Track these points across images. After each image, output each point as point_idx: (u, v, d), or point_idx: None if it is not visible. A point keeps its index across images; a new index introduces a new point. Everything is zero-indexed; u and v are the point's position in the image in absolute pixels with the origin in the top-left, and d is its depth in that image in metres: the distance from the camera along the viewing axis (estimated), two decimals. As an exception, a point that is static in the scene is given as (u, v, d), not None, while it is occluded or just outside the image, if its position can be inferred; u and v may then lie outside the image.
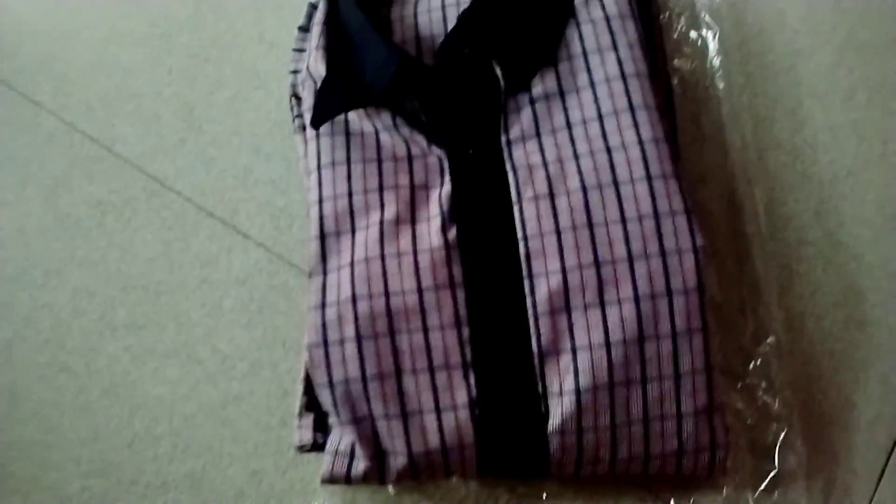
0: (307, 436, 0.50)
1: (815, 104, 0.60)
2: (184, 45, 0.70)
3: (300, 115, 0.57)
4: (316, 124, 0.51)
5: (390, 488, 0.51)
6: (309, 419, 0.50)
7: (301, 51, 0.60)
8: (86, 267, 0.62)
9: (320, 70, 0.53)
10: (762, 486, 0.49)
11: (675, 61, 0.61)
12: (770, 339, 0.52)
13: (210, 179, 0.64)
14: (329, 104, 0.51)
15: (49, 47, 0.72)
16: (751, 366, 0.52)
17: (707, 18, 0.61)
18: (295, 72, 0.59)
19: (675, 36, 0.62)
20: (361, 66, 0.52)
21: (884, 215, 0.57)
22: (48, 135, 0.68)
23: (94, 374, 0.58)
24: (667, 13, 0.62)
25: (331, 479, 0.47)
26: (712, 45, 0.61)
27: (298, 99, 0.58)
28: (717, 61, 0.60)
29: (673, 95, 0.58)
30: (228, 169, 0.64)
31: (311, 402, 0.50)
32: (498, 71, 0.51)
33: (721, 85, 0.60)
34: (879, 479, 0.50)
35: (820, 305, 0.55)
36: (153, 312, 0.60)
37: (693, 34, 0.61)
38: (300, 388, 0.52)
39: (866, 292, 0.55)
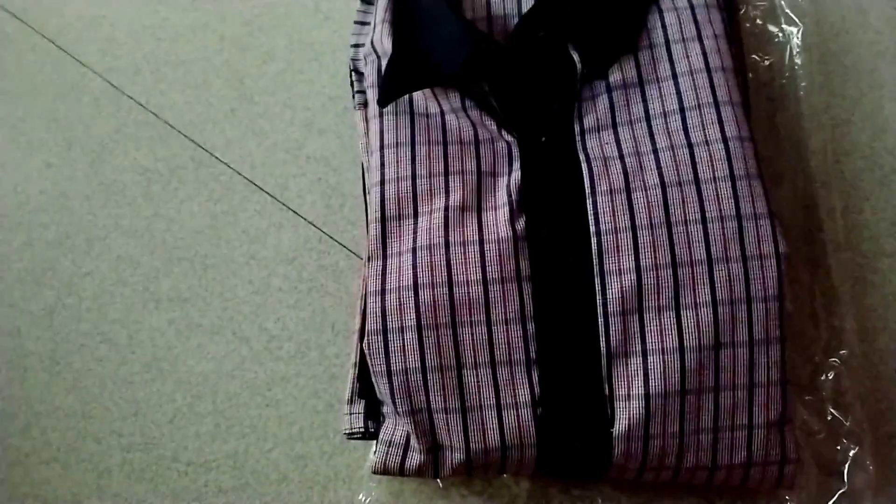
0: (358, 423, 0.48)
1: (897, 109, 0.57)
2: (236, 11, 0.68)
3: (362, 91, 0.55)
4: (383, 102, 0.49)
5: (440, 482, 0.49)
6: (360, 406, 0.48)
7: (364, 24, 0.57)
8: (130, 235, 0.61)
9: (386, 46, 0.51)
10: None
11: (752, 56, 0.58)
12: (843, 352, 0.50)
13: (260, 152, 0.62)
14: (397, 82, 0.49)
15: (97, 6, 0.70)
16: (821, 378, 0.50)
17: (788, 13, 0.58)
18: (356, 45, 0.57)
19: (753, 29, 0.59)
20: (431, 44, 0.50)
21: (964, 228, 0.54)
22: (95, 97, 0.66)
23: (137, 346, 0.57)
24: (745, 6, 0.59)
25: (383, 471, 0.46)
26: (793, 42, 0.58)
27: (360, 74, 0.55)
28: (796, 59, 0.58)
29: (749, 92, 0.56)
30: (279, 143, 0.62)
31: (363, 390, 0.48)
32: (575, 56, 0.48)
33: (799, 84, 0.57)
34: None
35: (894, 320, 0.52)
36: (198, 286, 0.58)
37: (772, 29, 0.59)
38: (351, 373, 0.50)
39: (943, 307, 0.53)
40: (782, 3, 0.59)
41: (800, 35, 0.58)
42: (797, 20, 0.58)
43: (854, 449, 0.48)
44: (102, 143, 0.64)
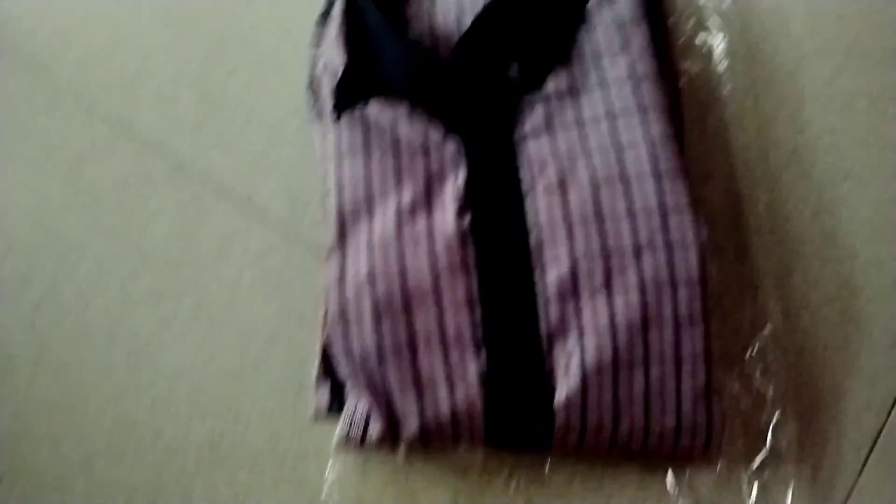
0: (323, 401, 0.52)
1: (817, 108, 0.62)
2: (204, 29, 0.72)
3: (317, 103, 0.59)
4: (338, 111, 0.53)
5: (400, 457, 0.53)
6: (326, 386, 0.52)
7: (318, 41, 0.62)
8: (107, 240, 0.64)
9: (339, 61, 0.55)
10: (755, 465, 0.52)
11: (684, 63, 0.63)
12: (767, 329, 0.55)
13: (228, 161, 0.66)
14: (350, 94, 0.53)
15: (70, 27, 0.74)
16: (748, 353, 0.54)
17: (715, 23, 0.63)
18: (313, 62, 0.61)
19: (684, 39, 0.64)
20: (379, 60, 0.54)
21: (879, 216, 0.59)
22: (69, 113, 0.70)
23: (116, 342, 0.61)
24: (677, 16, 0.64)
25: (346, 443, 0.50)
26: (719, 49, 0.63)
27: (316, 89, 0.60)
28: (723, 64, 0.63)
29: (681, 96, 0.60)
30: (246, 151, 0.66)
31: (327, 370, 0.52)
32: (514, 69, 0.53)
33: (727, 87, 0.62)
34: (865, 461, 0.53)
35: (816, 299, 0.57)
36: (172, 286, 0.62)
37: (701, 38, 0.64)
38: (318, 356, 0.54)
39: (860, 288, 0.57)
40: (709, 15, 0.64)
41: (724, 43, 0.63)
42: (723, 29, 0.63)
43: (777, 414, 0.53)
44: (78, 156, 0.68)
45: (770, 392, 0.53)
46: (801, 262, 0.58)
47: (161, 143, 0.67)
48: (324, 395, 0.52)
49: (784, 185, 0.60)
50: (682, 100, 0.60)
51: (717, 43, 0.63)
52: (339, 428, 0.50)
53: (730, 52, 0.63)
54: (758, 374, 0.54)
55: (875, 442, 0.53)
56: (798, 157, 0.61)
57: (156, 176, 0.66)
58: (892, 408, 0.54)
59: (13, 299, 0.63)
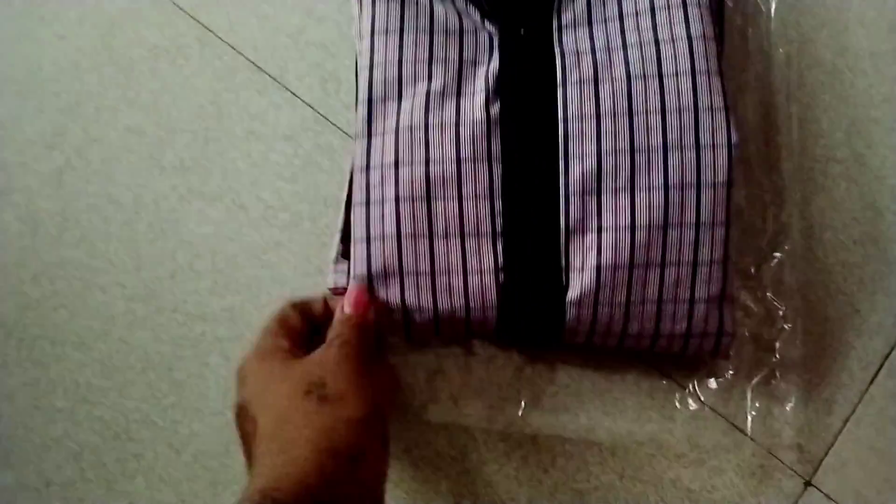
0: (342, 280, 0.53)
1: (861, 30, 0.61)
2: None
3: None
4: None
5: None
6: (344, 265, 0.53)
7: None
8: (137, 107, 0.65)
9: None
10: (759, 376, 0.53)
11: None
12: (786, 247, 0.55)
13: (263, 36, 0.65)
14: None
15: None
16: (765, 268, 0.55)
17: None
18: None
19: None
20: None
21: (912, 142, 0.58)
22: (105, -25, 0.69)
23: (141, 208, 0.62)
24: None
25: None
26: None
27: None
28: (772, -23, 0.61)
29: (724, 6, 0.59)
30: (281, 27, 0.66)
31: (346, 250, 0.53)
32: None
33: (772, 2, 0.60)
34: (872, 381, 0.54)
35: (839, 219, 0.57)
36: (200, 157, 0.63)
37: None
38: (337, 237, 0.55)
39: (884, 212, 0.57)
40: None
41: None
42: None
43: (787, 328, 0.54)
44: (113, 20, 0.67)
45: (783, 308, 0.54)
46: (827, 181, 0.58)
47: (196, 13, 0.66)
48: (341, 276, 0.53)
49: (819, 103, 0.59)
50: (725, 10, 0.59)
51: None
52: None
53: (779, -34, 0.61)
54: (772, 290, 0.54)
55: (882, 363, 0.54)
56: (837, 77, 0.60)
57: (189, 46, 0.66)
58: (902, 331, 0.55)
59: (42, 158, 0.64)
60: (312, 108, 0.63)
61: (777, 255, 0.55)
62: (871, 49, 0.61)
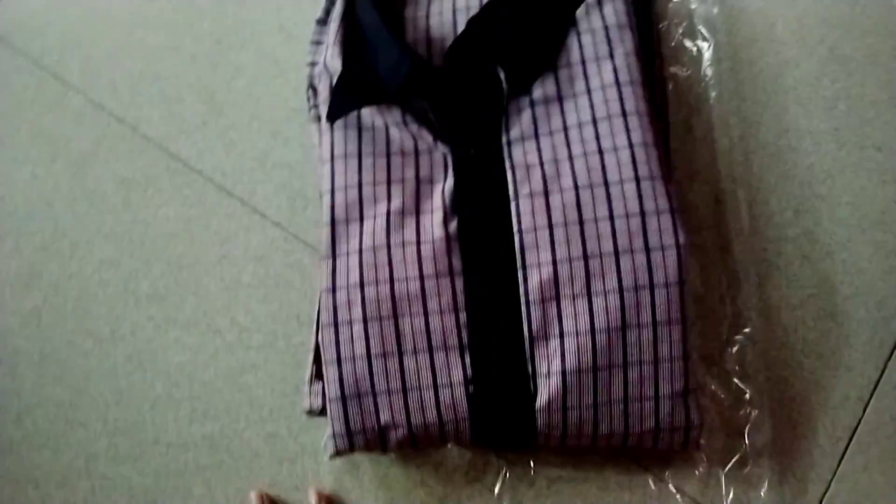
0: (317, 402, 0.54)
1: (800, 111, 0.64)
2: (206, 31, 0.74)
3: (316, 106, 0.61)
4: (331, 119, 0.55)
5: (392, 455, 0.56)
6: (318, 386, 0.54)
7: (318, 43, 0.64)
8: (111, 240, 0.66)
9: (336, 65, 0.57)
10: (732, 462, 0.54)
11: (672, 68, 0.65)
12: (747, 329, 0.57)
13: (230, 161, 0.68)
14: (344, 101, 0.55)
15: (77, 28, 0.76)
16: (727, 352, 0.56)
17: (702, 29, 0.65)
18: (312, 64, 0.63)
19: (673, 44, 0.65)
20: (375, 64, 0.56)
21: (857, 216, 0.61)
22: (76, 113, 0.72)
23: (119, 340, 0.63)
24: (665, 22, 0.66)
25: (337, 455, 0.52)
26: (706, 54, 0.65)
27: (315, 90, 0.61)
28: (710, 69, 0.64)
29: (668, 99, 0.62)
30: (247, 151, 0.68)
31: (319, 371, 0.54)
32: (501, 75, 0.55)
33: (713, 91, 0.64)
34: (842, 456, 0.54)
35: (795, 297, 0.59)
36: (174, 284, 0.64)
37: (689, 43, 0.65)
38: (310, 357, 0.56)
39: (839, 286, 0.59)
40: (697, 21, 0.65)
41: (712, 48, 0.64)
42: (710, 34, 0.65)
43: (754, 413, 0.55)
44: (84, 156, 0.70)
45: (748, 392, 0.55)
46: (781, 261, 0.60)
47: (165, 143, 0.69)
48: (316, 397, 0.54)
49: (767, 185, 0.62)
50: (669, 103, 0.62)
51: (705, 48, 0.65)
52: (325, 436, 0.52)
53: (717, 57, 0.65)
54: (736, 373, 0.56)
55: (851, 437, 0.55)
56: (780, 159, 0.63)
57: (159, 176, 0.68)
58: (869, 402, 0.56)
59: (19, 298, 0.65)
60: (281, 227, 0.65)
61: (738, 338, 0.57)
62: (810, 128, 0.64)
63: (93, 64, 0.74)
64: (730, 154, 0.63)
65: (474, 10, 0.58)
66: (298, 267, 0.64)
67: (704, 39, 0.65)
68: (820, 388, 0.57)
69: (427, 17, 0.60)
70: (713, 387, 0.56)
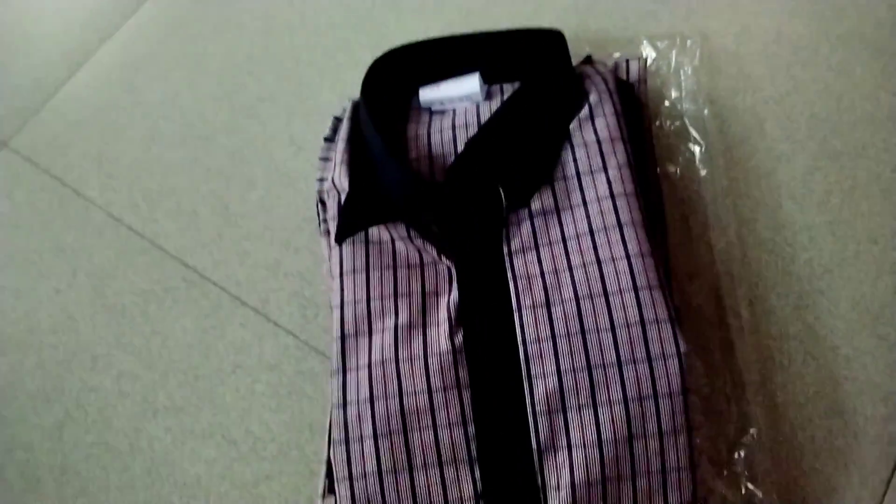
0: (329, 518, 0.55)
1: (794, 206, 0.66)
2: (220, 145, 0.77)
3: (325, 221, 0.63)
4: (340, 240, 0.57)
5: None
6: (331, 501, 0.55)
7: (326, 160, 0.67)
8: (130, 352, 0.69)
9: (344, 184, 0.60)
10: (743, 570, 0.54)
11: (667, 168, 0.67)
12: (752, 431, 0.57)
13: (244, 271, 0.71)
14: (352, 221, 0.58)
15: (97, 146, 0.80)
16: (735, 455, 0.57)
17: (694, 130, 0.67)
18: (321, 179, 0.66)
19: (667, 144, 0.68)
20: (380, 184, 0.59)
21: (857, 310, 0.62)
22: (96, 228, 0.75)
23: (137, 453, 0.64)
24: (657, 122, 0.68)
25: None
26: (699, 153, 0.67)
27: (324, 204, 0.64)
28: (703, 168, 0.66)
29: (663, 199, 0.64)
30: (260, 261, 0.71)
31: (332, 485, 0.55)
32: (501, 190, 0.57)
33: (707, 190, 0.66)
34: (856, 562, 0.54)
35: (801, 394, 0.59)
36: (191, 395, 0.66)
37: (682, 143, 0.67)
38: (323, 470, 0.57)
39: (843, 382, 0.59)
40: (689, 121, 0.68)
41: (704, 147, 0.67)
42: (703, 133, 0.67)
43: (765, 518, 0.55)
44: (104, 269, 0.73)
45: (759, 493, 0.55)
46: (785, 358, 0.61)
47: (181, 255, 0.72)
48: (329, 511, 0.55)
49: (766, 282, 0.63)
50: (665, 204, 0.64)
51: (697, 147, 0.67)
52: None
53: (709, 156, 0.67)
54: (746, 476, 0.56)
55: (865, 537, 0.55)
56: (778, 255, 0.64)
57: (177, 287, 0.71)
58: (882, 501, 0.56)
59: (42, 412, 0.67)
60: (294, 335, 0.67)
61: (746, 439, 0.57)
62: (805, 223, 0.65)
63: (113, 180, 0.78)
64: (728, 252, 0.64)
65: (473, 128, 0.61)
66: (310, 375, 0.65)
67: (696, 142, 0.67)
68: (830, 488, 0.57)
69: (428, 134, 0.63)
70: (723, 491, 0.56)
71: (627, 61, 0.69)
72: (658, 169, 0.65)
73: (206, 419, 0.65)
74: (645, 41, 0.74)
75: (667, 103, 0.70)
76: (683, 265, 0.64)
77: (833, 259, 0.64)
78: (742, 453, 0.57)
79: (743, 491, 0.56)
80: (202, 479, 0.63)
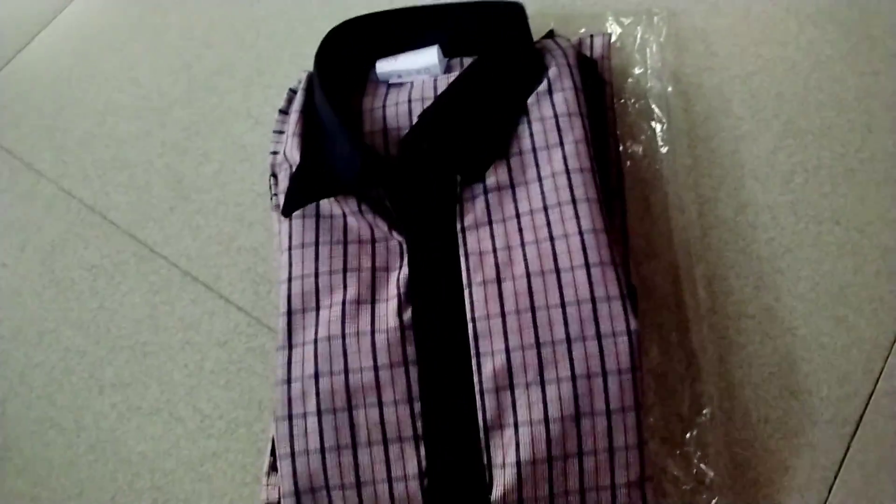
0: (274, 495, 0.53)
1: (757, 186, 0.65)
2: (176, 118, 0.75)
3: (276, 195, 0.62)
4: (287, 213, 0.56)
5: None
6: (275, 479, 0.54)
7: (280, 132, 0.65)
8: (77, 327, 0.67)
9: (295, 157, 0.58)
10: (692, 551, 0.53)
11: (629, 145, 0.65)
12: (706, 411, 0.56)
13: (196, 246, 0.69)
14: (300, 194, 0.56)
15: (50, 118, 0.78)
16: (688, 435, 0.56)
17: (658, 106, 0.66)
18: (274, 153, 0.64)
19: (629, 121, 0.66)
20: (332, 156, 0.57)
21: (817, 291, 0.61)
22: (47, 201, 0.73)
23: (82, 430, 0.63)
24: (621, 100, 0.67)
25: None
26: (661, 131, 0.65)
27: (276, 178, 0.62)
28: (665, 146, 0.65)
29: (624, 178, 0.63)
30: (213, 236, 0.69)
31: (276, 462, 0.54)
32: (454, 165, 0.55)
33: (669, 168, 0.64)
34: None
35: (756, 375, 0.59)
36: (139, 372, 0.64)
37: (645, 121, 0.66)
38: (269, 448, 0.56)
39: (800, 363, 0.59)
40: (652, 99, 0.66)
41: (668, 125, 0.65)
42: (666, 111, 0.66)
43: (716, 498, 0.54)
44: (53, 244, 0.71)
45: (710, 475, 0.55)
46: (742, 338, 0.60)
47: (133, 231, 0.70)
48: (274, 489, 0.53)
49: (725, 261, 0.62)
50: (626, 180, 0.63)
51: (660, 125, 0.66)
52: None
53: (671, 134, 0.66)
54: (698, 456, 0.55)
55: (817, 519, 0.55)
56: (739, 234, 0.63)
57: (126, 262, 0.69)
58: (834, 482, 0.55)
59: (-13, 388, 0.66)
60: (245, 311, 0.65)
61: (699, 419, 0.57)
62: (767, 202, 0.64)
63: (64, 152, 0.75)
64: (688, 231, 0.63)
65: (429, 101, 0.60)
66: (261, 352, 0.64)
67: (659, 120, 0.66)
68: (784, 469, 0.56)
69: (384, 107, 0.61)
70: (674, 471, 0.55)
71: (592, 37, 0.68)
72: (620, 147, 0.64)
73: (153, 396, 0.63)
74: (611, 17, 0.73)
75: (630, 80, 0.69)
76: (643, 244, 0.63)
77: (794, 239, 0.63)
78: (695, 433, 0.56)
79: (695, 471, 0.55)
80: (147, 457, 0.61)
